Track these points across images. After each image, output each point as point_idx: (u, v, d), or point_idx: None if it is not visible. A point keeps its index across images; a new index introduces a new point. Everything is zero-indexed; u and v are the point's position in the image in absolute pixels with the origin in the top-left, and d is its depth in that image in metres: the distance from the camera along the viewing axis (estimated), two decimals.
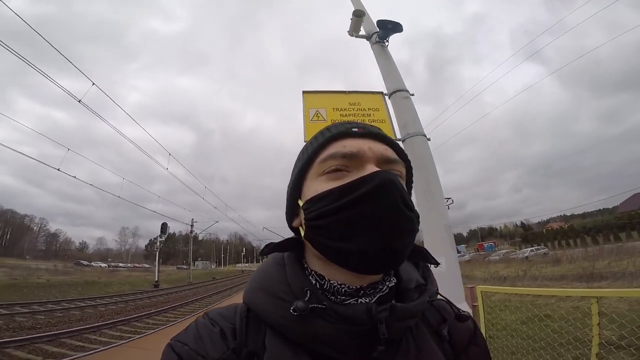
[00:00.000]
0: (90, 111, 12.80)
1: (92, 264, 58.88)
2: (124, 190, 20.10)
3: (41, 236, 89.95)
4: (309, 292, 0.49)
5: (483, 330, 3.40)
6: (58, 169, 13.94)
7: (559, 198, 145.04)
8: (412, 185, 0.60)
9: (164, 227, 33.52)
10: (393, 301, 0.50)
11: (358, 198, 0.46)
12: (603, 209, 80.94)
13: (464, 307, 2.41)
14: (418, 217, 0.51)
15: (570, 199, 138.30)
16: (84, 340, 7.49)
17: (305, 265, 0.56)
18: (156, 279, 28.68)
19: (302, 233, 0.55)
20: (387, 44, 3.60)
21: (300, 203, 0.55)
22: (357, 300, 0.50)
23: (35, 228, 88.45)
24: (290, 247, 0.59)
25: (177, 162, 21.46)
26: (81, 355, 6.17)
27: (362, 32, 3.94)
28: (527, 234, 79.51)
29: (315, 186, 0.52)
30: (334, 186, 0.49)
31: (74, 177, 15.57)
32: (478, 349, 0.60)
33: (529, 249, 40.02)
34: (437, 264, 0.61)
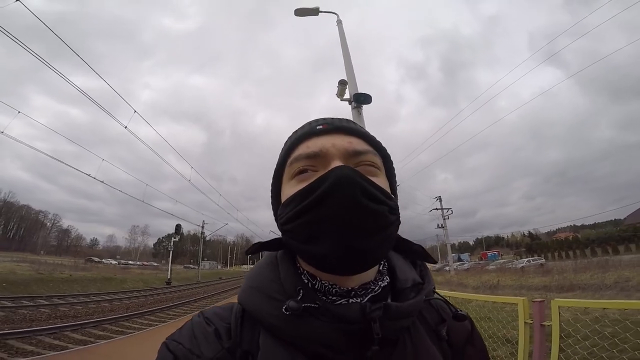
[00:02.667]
0: (131, 133, 13.87)
1: (103, 260, 60.78)
2: (135, 188, 20.50)
3: (53, 232, 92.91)
4: (301, 291, 0.48)
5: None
6: (89, 175, 15.28)
7: (571, 207, 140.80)
8: (395, 172, 0.59)
9: (178, 228, 35.46)
10: (388, 300, 0.50)
11: (316, 199, 0.46)
12: (615, 219, 78.17)
13: None
14: (394, 208, 0.50)
15: (582, 209, 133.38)
16: (120, 327, 9.04)
17: (298, 265, 0.54)
18: (169, 277, 30.48)
19: None
20: (361, 110, 5.11)
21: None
22: (348, 301, 0.49)
23: (48, 224, 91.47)
24: (278, 246, 0.57)
25: (190, 164, 21.92)
26: (121, 337, 7.72)
27: (347, 95, 5.41)
28: (532, 243, 79.49)
29: (287, 190, 0.53)
30: (299, 189, 0.49)
31: (102, 182, 16.65)
32: (474, 349, 0.60)
33: (526, 259, 41.08)
34: (435, 262, 0.62)
